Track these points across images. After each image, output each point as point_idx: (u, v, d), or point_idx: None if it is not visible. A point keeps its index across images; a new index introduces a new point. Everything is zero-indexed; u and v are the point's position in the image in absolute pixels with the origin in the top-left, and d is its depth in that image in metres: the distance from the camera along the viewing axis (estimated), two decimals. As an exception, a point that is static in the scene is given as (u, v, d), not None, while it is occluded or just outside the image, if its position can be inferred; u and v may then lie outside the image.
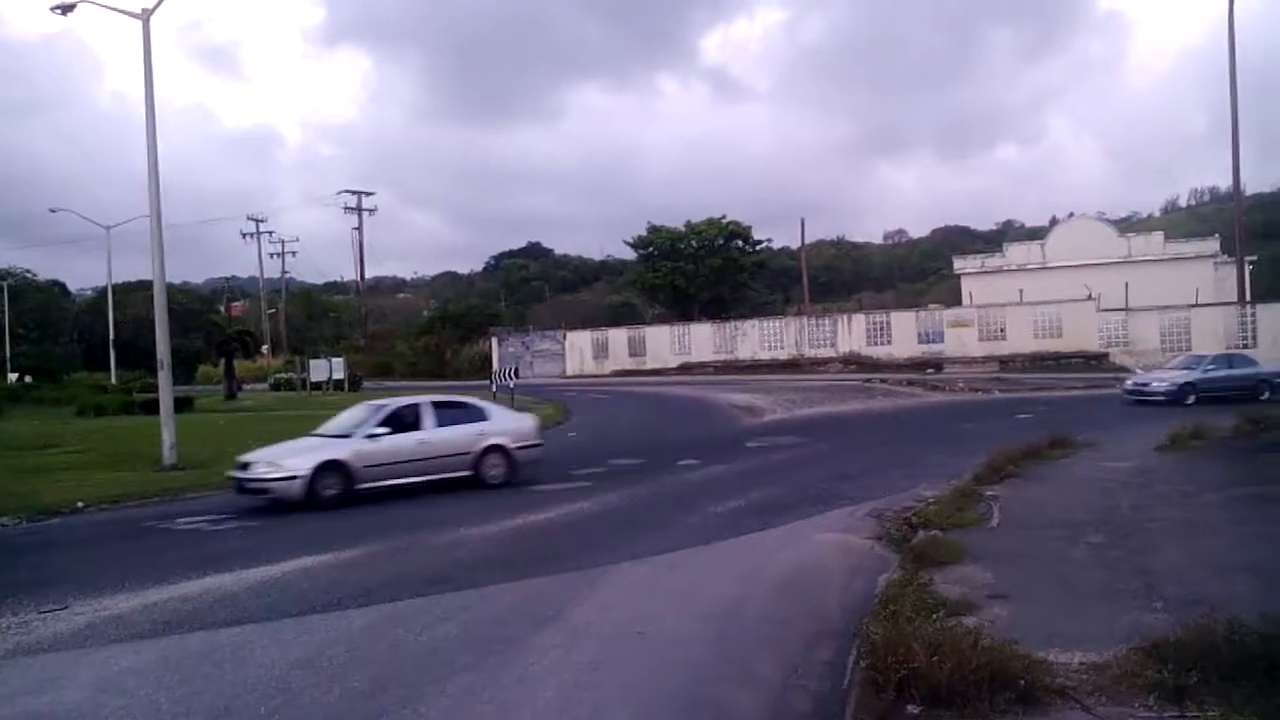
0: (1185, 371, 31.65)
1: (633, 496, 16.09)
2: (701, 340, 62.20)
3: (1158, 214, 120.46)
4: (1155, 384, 31.35)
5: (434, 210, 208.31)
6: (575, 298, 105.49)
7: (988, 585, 8.71)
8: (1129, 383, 33.02)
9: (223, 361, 58.06)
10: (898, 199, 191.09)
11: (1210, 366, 31.41)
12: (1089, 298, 50.98)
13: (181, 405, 31.42)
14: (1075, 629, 7.20)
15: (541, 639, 8.06)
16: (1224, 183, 75.67)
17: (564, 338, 68.38)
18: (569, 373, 65.68)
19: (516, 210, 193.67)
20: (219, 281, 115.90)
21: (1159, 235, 64.62)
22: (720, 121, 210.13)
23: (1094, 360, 48.47)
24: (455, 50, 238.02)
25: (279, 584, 10.54)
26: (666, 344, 63.62)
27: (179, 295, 78.47)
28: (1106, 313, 50.13)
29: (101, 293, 72.45)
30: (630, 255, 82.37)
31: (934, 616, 7.31)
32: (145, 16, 22.59)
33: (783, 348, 59.07)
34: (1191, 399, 29.68)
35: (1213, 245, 60.80)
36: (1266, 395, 29.60)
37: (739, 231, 73.52)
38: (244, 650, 8.10)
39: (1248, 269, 52.40)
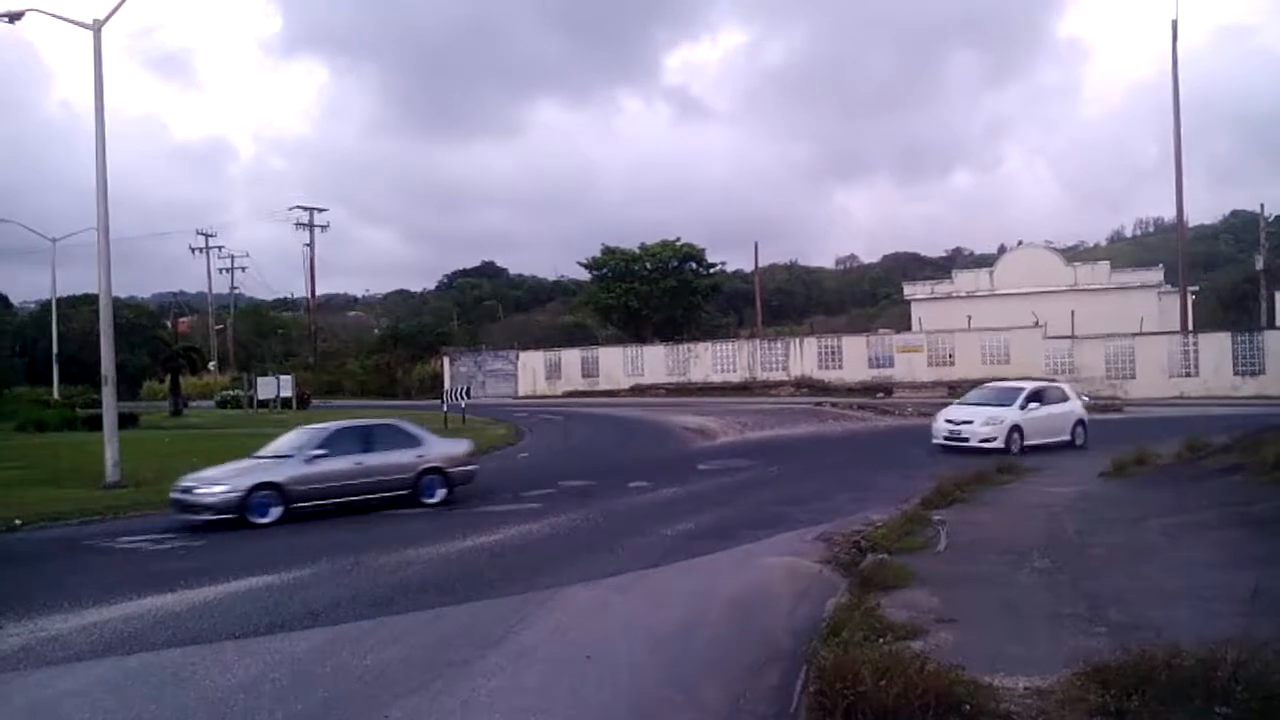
0: (281, 463, 17.09)
1: (583, 519, 16.01)
2: (654, 362, 62.24)
3: (1104, 243, 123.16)
4: (202, 491, 16.12)
5: (388, 227, 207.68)
6: (529, 318, 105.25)
7: (935, 610, 8.74)
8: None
9: (169, 378, 57.31)
10: (851, 224, 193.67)
11: (318, 451, 17.29)
12: (1035, 325, 51.67)
13: (126, 422, 31.02)
14: (1020, 653, 7.26)
15: (488, 662, 7.98)
16: (1170, 214, 77.11)
17: (517, 358, 68.01)
18: (521, 393, 65.41)
19: (471, 228, 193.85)
20: (166, 296, 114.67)
21: (1105, 264, 65.91)
22: (678, 142, 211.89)
23: (1040, 387, 49.08)
24: (414, 64, 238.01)
25: (222, 605, 10.37)
26: (619, 365, 63.57)
27: (125, 310, 77.39)
28: (1053, 340, 50.79)
29: (46, 306, 71.21)
30: (584, 276, 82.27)
31: (881, 641, 7.36)
32: (97, 27, 22.25)
33: (735, 370, 59.24)
34: (275, 511, 16.27)
35: (1157, 275, 62.09)
36: (441, 496, 18.25)
37: (693, 254, 73.68)
38: (185, 672, 7.95)
39: (1190, 299, 53.58)
